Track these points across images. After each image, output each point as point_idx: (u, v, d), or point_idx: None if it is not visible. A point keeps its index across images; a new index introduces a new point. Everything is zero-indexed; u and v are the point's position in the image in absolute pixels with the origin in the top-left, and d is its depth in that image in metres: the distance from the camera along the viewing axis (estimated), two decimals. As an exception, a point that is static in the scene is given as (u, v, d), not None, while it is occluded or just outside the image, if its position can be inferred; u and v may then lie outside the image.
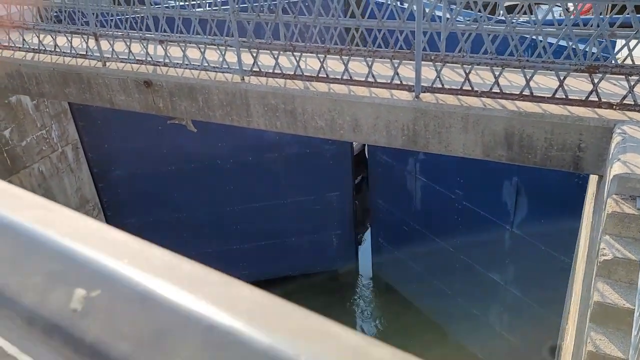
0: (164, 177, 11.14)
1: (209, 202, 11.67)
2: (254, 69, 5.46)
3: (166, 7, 5.77)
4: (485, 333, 9.68)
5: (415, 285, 10.89)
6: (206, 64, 5.63)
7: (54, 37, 6.33)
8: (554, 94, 4.38)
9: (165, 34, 5.69)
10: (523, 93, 4.46)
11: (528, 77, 4.37)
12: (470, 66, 4.57)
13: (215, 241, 12.09)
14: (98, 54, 6.08)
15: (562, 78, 4.29)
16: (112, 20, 5.89)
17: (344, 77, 5.10)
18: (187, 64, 5.73)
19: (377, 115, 5.00)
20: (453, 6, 5.33)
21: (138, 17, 5.83)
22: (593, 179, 6.25)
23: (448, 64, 4.75)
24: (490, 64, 4.46)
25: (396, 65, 4.85)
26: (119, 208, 11.24)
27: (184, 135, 9.28)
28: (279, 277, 12.57)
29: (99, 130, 10.48)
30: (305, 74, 5.26)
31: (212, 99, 5.65)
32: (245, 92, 5.47)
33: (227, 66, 5.56)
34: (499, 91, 4.54)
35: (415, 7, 4.43)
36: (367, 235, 13.63)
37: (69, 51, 6.28)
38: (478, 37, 4.73)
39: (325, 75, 5.18)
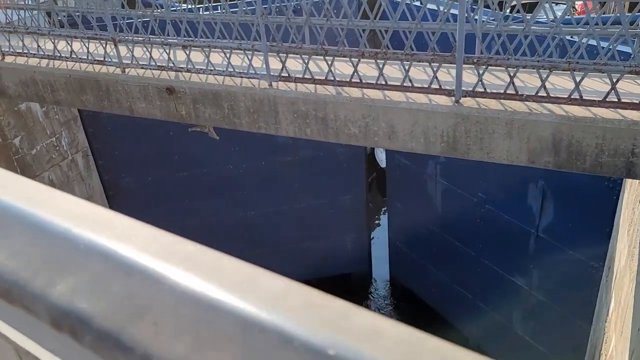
0: (175, 183, 10.94)
1: (221, 208, 11.48)
2: (282, 74, 5.25)
3: (189, 10, 5.54)
4: (508, 337, 9.49)
5: (434, 290, 10.71)
6: (231, 69, 5.42)
7: (69, 43, 6.10)
8: (606, 97, 4.17)
9: (188, 38, 5.48)
10: (572, 96, 4.25)
11: (578, 80, 4.16)
12: (515, 69, 4.37)
13: (229, 248, 11.79)
14: (116, 60, 5.86)
15: (614, 81, 4.08)
16: (130, 24, 5.66)
17: (379, 82, 4.89)
18: (211, 70, 5.51)
19: (414, 122, 4.79)
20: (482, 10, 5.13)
21: (158, 21, 5.61)
22: (630, 183, 6.06)
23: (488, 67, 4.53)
24: (537, 66, 4.25)
25: (435, 68, 4.64)
26: (129, 216, 11.00)
27: (195, 141, 9.10)
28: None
29: (109, 136, 10.27)
30: (337, 78, 5.05)
31: (238, 105, 5.44)
32: (274, 99, 5.26)
33: (253, 71, 5.34)
34: (545, 95, 4.34)
35: (458, 9, 4.22)
36: (379, 237, 13.44)
37: (85, 57, 6.06)
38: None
39: (358, 80, 4.97)
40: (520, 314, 9.14)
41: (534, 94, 4.39)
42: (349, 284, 12.80)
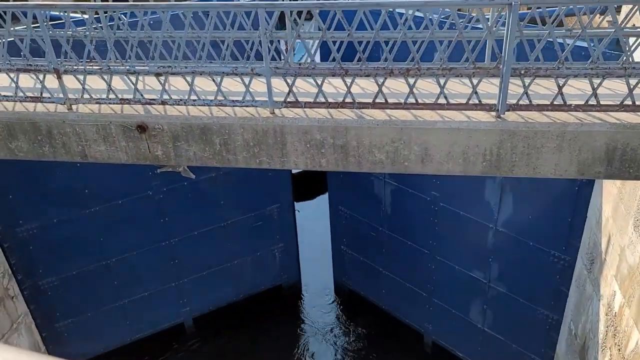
0: (87, 220, 9.44)
1: (141, 240, 10.18)
2: (288, 100, 4.47)
3: (166, 31, 4.46)
4: (466, 330, 9.57)
5: (385, 290, 10.50)
6: (222, 98, 4.51)
7: (-14, 77, 4.71)
8: (657, 102, 4.06)
9: (163, 63, 4.45)
10: (624, 103, 4.08)
11: (632, 85, 3.99)
12: (565, 78, 4.09)
13: (151, 282, 10.66)
14: (60, 96, 4.63)
15: (667, 85, 3.97)
16: (77, 47, 4.48)
17: (409, 101, 4.35)
18: (194, 100, 4.55)
19: (453, 142, 4.33)
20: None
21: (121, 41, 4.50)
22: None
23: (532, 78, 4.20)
24: (590, 74, 4.00)
25: (475, 82, 4.21)
26: (32, 268, 9.29)
27: (109, 169, 7.81)
28: (223, 305, 11.50)
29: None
30: (357, 100, 4.41)
31: (234, 139, 4.57)
32: (281, 129, 4.48)
33: (250, 98, 4.49)
34: (595, 103, 4.12)
35: (508, 19, 3.81)
36: (316, 241, 12.98)
37: (13, 94, 4.71)
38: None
39: (383, 101, 4.38)
40: (478, 306, 9.22)
41: (582, 102, 4.14)
42: (280, 296, 12.25)
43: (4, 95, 4.69)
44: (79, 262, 9.65)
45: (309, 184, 14.24)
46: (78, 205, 9.23)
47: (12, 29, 4.46)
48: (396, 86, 4.65)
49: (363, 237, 10.22)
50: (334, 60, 4.31)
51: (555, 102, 4.18)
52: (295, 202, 11.56)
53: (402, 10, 4.84)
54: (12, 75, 4.58)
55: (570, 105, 4.17)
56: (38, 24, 4.24)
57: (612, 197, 6.10)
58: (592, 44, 4.40)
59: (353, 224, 10.31)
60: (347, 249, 10.79)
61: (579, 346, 7.02)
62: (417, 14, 5.00)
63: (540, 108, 4.21)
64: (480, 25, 4.68)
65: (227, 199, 10.66)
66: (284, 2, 4.11)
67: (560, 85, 4.10)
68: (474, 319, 9.36)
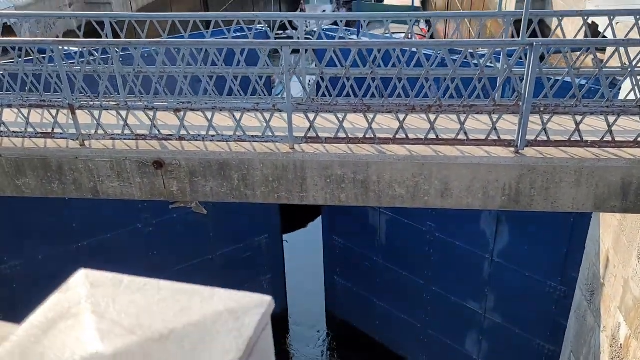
0: (73, 256, 9.15)
1: (128, 274, 9.86)
2: (309, 135, 4.47)
3: (188, 65, 4.42)
4: (460, 362, 9.54)
5: (378, 320, 10.42)
6: (240, 133, 4.48)
7: (-6, 112, 4.57)
8: (670, 138, 4.19)
9: (182, 99, 4.40)
10: (638, 140, 4.21)
11: (646, 123, 4.12)
12: (582, 116, 4.20)
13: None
14: (73, 131, 4.52)
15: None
16: (90, 81, 4.41)
17: (429, 137, 4.39)
18: (213, 135, 4.50)
19: (473, 177, 4.38)
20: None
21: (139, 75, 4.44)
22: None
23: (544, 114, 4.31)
24: (606, 112, 4.12)
25: (495, 119, 4.29)
26: (14, 306, 8.90)
27: (98, 201, 7.64)
28: None
29: (-15, 212, 8.20)
30: (377, 135, 4.43)
31: (253, 175, 4.52)
32: (302, 164, 4.45)
33: (271, 133, 4.47)
34: (610, 139, 4.24)
35: (529, 57, 3.92)
36: (307, 271, 12.90)
37: (22, 130, 4.58)
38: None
39: (404, 136, 4.41)
40: (474, 337, 9.22)
41: (598, 139, 4.26)
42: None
43: (14, 132, 4.55)
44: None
45: (296, 213, 14.19)
46: (65, 240, 8.96)
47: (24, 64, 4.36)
48: (412, 121, 4.70)
49: (357, 267, 10.17)
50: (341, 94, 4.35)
51: (572, 139, 4.28)
52: (283, 234, 11.51)
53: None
54: (24, 111, 4.46)
55: (587, 141, 4.28)
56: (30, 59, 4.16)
57: (612, 228, 6.23)
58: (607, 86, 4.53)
59: (347, 254, 10.26)
60: (340, 279, 10.72)
61: (579, 377, 7.05)
62: (426, 51, 5.12)
63: (558, 144, 4.30)
64: (491, 64, 4.80)
65: (217, 231, 10.51)
66: (309, 40, 4.14)
67: (578, 122, 4.21)
68: (469, 350, 9.34)
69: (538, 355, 8.51)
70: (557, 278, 7.87)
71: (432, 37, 6.60)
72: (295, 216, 14.08)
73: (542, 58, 5.25)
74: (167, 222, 9.88)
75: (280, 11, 36.01)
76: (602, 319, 6.41)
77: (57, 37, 13.40)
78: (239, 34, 6.52)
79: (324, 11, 30.61)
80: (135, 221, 9.54)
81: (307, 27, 6.22)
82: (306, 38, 5.10)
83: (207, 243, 10.50)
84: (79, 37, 5.26)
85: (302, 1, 33.24)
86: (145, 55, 4.99)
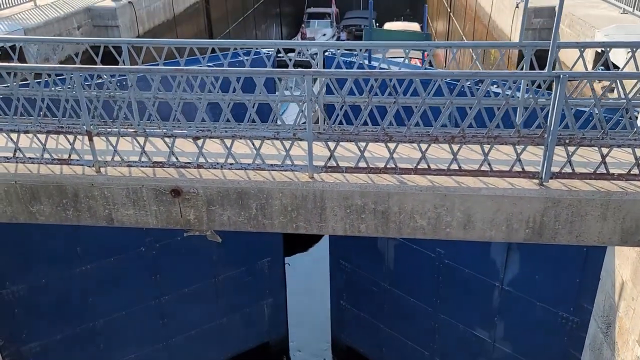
0: (76, 280, 8.98)
1: (131, 299, 9.73)
2: (329, 164, 4.40)
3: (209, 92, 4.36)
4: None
5: (385, 348, 10.24)
6: (259, 162, 4.41)
7: (11, 139, 4.49)
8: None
9: (202, 126, 4.34)
10: (665, 173, 4.15)
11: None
12: (608, 149, 4.15)
13: (138, 344, 10.13)
14: (89, 158, 4.44)
15: None
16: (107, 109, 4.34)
17: (452, 167, 4.33)
18: (232, 164, 4.42)
19: (497, 209, 4.31)
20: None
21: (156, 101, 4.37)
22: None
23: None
24: (633, 144, 4.07)
25: (519, 150, 4.23)
26: (15, 333, 8.73)
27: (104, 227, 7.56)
28: None
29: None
30: (398, 165, 4.37)
31: (271, 204, 4.44)
32: (322, 194, 4.38)
33: (290, 162, 4.40)
34: (638, 172, 4.18)
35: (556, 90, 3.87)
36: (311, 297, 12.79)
37: (38, 156, 4.50)
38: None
39: (426, 167, 4.34)
40: (483, 366, 9.06)
41: (624, 172, 4.20)
42: (267, 353, 11.85)
43: (29, 158, 4.47)
44: (65, 326, 9.13)
45: (299, 235, 14.08)
46: (69, 264, 8.80)
47: (44, 89, 4.30)
48: (432, 151, 4.64)
49: (364, 292, 10.04)
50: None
51: (598, 171, 4.22)
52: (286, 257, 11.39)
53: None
54: (41, 136, 4.38)
55: (613, 174, 4.22)
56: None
57: (630, 260, 6.14)
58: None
59: (354, 279, 10.13)
60: (347, 304, 10.57)
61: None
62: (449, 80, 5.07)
63: (584, 176, 4.24)
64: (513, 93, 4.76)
65: (220, 254, 10.38)
66: (332, 70, 4.09)
67: (604, 154, 4.16)
68: (478, 379, 9.17)
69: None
70: (569, 308, 7.74)
71: (430, 63, 6.58)
72: (297, 239, 13.97)
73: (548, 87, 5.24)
74: (171, 246, 9.75)
75: (282, 33, 36.32)
76: (619, 352, 6.29)
77: (62, 61, 13.42)
78: (233, 59, 6.52)
79: (324, 34, 30.92)
80: (139, 244, 9.40)
81: (308, 49, 6.18)
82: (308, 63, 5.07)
83: (210, 266, 10.37)
84: (75, 62, 5.21)
85: (302, 24, 33.53)
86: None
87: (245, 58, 5.63)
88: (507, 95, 4.00)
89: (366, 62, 8.39)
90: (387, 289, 9.63)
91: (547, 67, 3.80)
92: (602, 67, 5.12)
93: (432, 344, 9.49)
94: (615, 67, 6.39)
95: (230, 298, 10.82)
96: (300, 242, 14.38)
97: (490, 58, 13.11)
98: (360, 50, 5.62)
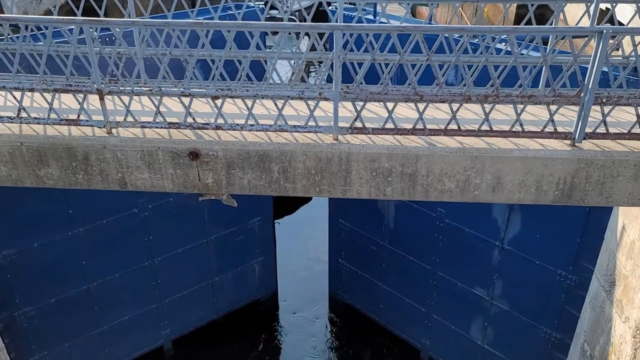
0: (69, 243, 8.77)
1: (124, 261, 9.59)
2: (355, 126, 4.21)
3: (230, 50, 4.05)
4: (464, 346, 9.54)
5: (382, 305, 10.35)
6: (282, 123, 4.19)
7: (14, 97, 4.17)
8: None
9: (221, 85, 4.08)
10: (699, 133, 4.08)
11: None
12: (643, 108, 4.04)
13: (133, 305, 10.04)
14: (100, 118, 4.16)
15: None
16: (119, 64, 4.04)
17: (483, 128, 4.18)
18: (252, 125, 4.20)
19: (528, 170, 4.21)
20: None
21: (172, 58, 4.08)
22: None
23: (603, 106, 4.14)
24: (671, 104, 3.97)
25: (553, 110, 4.10)
26: (8, 298, 8.51)
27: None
28: (203, 324, 11.12)
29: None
30: (427, 126, 4.21)
31: (294, 167, 4.25)
32: (347, 156, 4.21)
33: (314, 123, 4.20)
34: (671, 132, 4.10)
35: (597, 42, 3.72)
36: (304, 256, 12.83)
37: (44, 116, 4.19)
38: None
39: (456, 127, 4.19)
40: (479, 323, 9.21)
41: (656, 132, 4.12)
42: (258, 310, 11.97)
43: (35, 118, 4.16)
44: (59, 289, 8.93)
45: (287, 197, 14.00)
46: (60, 227, 8.55)
47: (52, 43, 3.96)
48: (460, 112, 4.48)
49: (363, 251, 10.05)
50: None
51: (632, 131, 4.13)
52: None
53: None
54: (47, 95, 4.07)
55: (646, 134, 4.14)
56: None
57: (638, 220, 6.17)
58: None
59: (353, 238, 10.12)
60: (345, 262, 10.59)
61: (594, 367, 7.07)
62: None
63: (618, 137, 4.15)
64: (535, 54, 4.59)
65: (211, 214, 10.24)
66: (362, 24, 3.85)
67: (639, 113, 4.06)
68: (473, 336, 9.33)
69: (544, 343, 8.53)
70: (568, 267, 7.84)
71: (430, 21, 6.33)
72: (285, 200, 13.86)
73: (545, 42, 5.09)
74: (163, 207, 9.55)
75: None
76: (624, 310, 6.39)
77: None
78: (223, 13, 6.17)
79: None
80: (131, 206, 9.17)
81: (288, 6, 5.89)
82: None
83: (202, 227, 10.25)
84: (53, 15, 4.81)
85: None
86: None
87: (237, 12, 5.33)
88: (546, 53, 3.83)
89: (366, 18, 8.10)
90: (387, 248, 9.64)
91: (590, 22, 3.63)
92: (609, 24, 4.99)
93: (430, 302, 9.59)
94: (620, 24, 6.27)
95: (222, 258, 10.80)
96: (288, 204, 14.29)
97: (485, 17, 12.85)
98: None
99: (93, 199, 8.51)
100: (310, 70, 18.32)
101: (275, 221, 12.12)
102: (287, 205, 14.32)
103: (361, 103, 4.19)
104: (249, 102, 4.22)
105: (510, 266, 8.42)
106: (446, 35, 4.39)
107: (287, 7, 5.44)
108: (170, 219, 9.70)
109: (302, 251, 13.30)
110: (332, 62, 3.89)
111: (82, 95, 4.06)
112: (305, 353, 11.02)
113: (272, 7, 6.41)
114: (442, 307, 9.51)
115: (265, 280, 11.72)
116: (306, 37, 16.71)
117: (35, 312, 8.78)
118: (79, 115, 4.16)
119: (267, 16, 5.14)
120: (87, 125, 4.20)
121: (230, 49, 3.94)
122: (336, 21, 4.58)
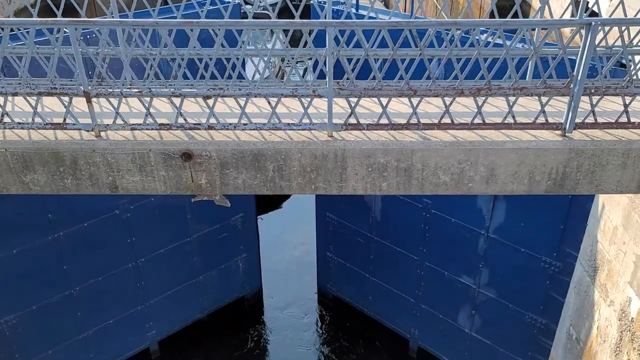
0: (49, 248, 8.60)
1: (107, 264, 9.44)
2: (349, 122, 4.19)
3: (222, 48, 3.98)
4: (452, 335, 9.66)
5: (371, 296, 10.42)
6: (276, 121, 4.15)
7: (-6, 102, 4.03)
8: None
9: (213, 84, 4.01)
10: (685, 121, 4.18)
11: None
12: (631, 98, 4.11)
13: (117, 308, 9.90)
14: (87, 121, 4.05)
15: None
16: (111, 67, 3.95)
17: (475, 121, 4.20)
18: (245, 124, 4.14)
19: (520, 162, 4.25)
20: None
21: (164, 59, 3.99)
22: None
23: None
24: (659, 93, 4.05)
25: (544, 102, 4.14)
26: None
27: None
28: (189, 324, 11.08)
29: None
30: (421, 121, 4.21)
31: (289, 165, 4.22)
32: (343, 152, 4.19)
33: (308, 121, 4.16)
34: (658, 120, 4.19)
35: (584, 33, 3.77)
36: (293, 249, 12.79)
37: (29, 121, 4.06)
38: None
39: (449, 121, 4.21)
40: (467, 311, 9.33)
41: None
42: (243, 307, 11.93)
43: (19, 123, 4.03)
44: (41, 295, 8.75)
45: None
46: (40, 232, 8.36)
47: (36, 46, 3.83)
48: (452, 106, 4.49)
49: (350, 243, 10.09)
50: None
51: (619, 120, 4.20)
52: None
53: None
54: (31, 99, 3.94)
55: (634, 123, 4.21)
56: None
57: (621, 206, 6.30)
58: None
59: (340, 230, 10.15)
60: (333, 255, 10.62)
61: (582, 350, 7.22)
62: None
63: (606, 126, 4.22)
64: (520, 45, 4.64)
65: (194, 212, 10.14)
66: (354, 20, 3.82)
67: (627, 103, 4.13)
68: (461, 324, 9.45)
69: (530, 328, 8.69)
70: (552, 254, 7.99)
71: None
72: (270, 195, 13.81)
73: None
74: (145, 207, 9.41)
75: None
76: (609, 294, 6.54)
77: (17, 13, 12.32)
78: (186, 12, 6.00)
79: None
80: (112, 208, 9.03)
81: (260, 1, 5.82)
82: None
83: (185, 225, 10.15)
84: (32, 15, 4.65)
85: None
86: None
87: (200, 10, 5.15)
88: (537, 46, 3.86)
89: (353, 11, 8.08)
90: (374, 240, 9.70)
91: (579, 14, 3.67)
92: (586, 15, 5.07)
93: (418, 292, 9.68)
94: (594, 13, 6.37)
95: (206, 256, 10.73)
96: (272, 198, 14.23)
97: (459, 8, 12.92)
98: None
99: (73, 202, 8.34)
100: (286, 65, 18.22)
101: (260, 216, 12.08)
102: (272, 199, 14.27)
103: (355, 99, 4.16)
104: (242, 101, 4.15)
105: (496, 254, 8.55)
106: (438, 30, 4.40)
107: (260, 2, 5.36)
108: (152, 219, 9.58)
109: (289, 246, 13.28)
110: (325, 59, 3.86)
111: (67, 99, 3.94)
112: (295, 344, 11.05)
113: (246, 2, 6.34)
114: (430, 297, 9.61)
115: (249, 276, 11.69)
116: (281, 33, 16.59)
117: (17, 319, 8.59)
118: (65, 119, 4.04)
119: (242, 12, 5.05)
120: (74, 129, 4.09)
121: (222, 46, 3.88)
122: (325, 17, 4.53)
